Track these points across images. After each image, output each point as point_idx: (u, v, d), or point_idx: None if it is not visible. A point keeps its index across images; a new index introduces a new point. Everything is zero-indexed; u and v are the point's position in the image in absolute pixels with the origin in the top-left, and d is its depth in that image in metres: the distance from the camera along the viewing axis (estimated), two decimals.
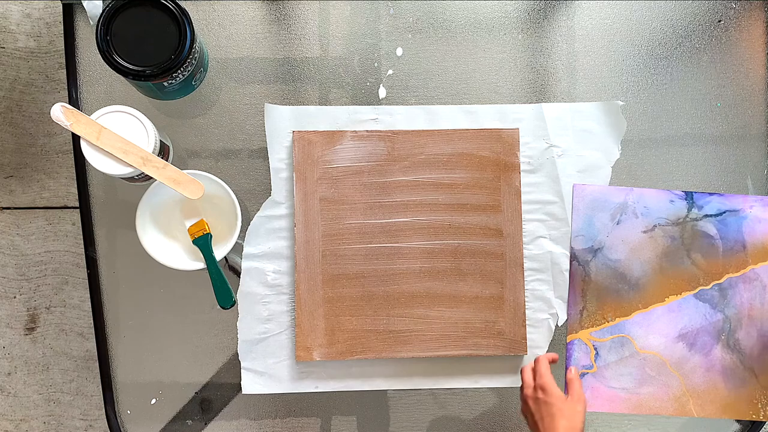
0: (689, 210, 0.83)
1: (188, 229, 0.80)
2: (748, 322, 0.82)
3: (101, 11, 0.73)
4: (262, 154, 0.83)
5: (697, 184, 0.86)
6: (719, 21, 0.87)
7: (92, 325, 0.83)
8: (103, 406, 0.83)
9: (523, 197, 0.83)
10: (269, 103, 0.83)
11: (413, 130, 0.82)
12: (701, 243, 0.83)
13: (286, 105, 0.83)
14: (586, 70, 0.86)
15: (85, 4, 0.81)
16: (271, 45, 0.84)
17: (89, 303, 0.84)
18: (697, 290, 0.82)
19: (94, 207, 0.83)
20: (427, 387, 0.82)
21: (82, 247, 0.84)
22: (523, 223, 0.82)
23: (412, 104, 0.84)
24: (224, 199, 0.78)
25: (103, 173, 0.73)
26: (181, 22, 0.73)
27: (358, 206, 0.82)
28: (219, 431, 0.83)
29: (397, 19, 0.85)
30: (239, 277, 0.82)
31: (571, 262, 0.82)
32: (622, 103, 0.84)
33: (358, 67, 0.85)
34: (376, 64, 0.85)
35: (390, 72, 0.85)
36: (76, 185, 0.83)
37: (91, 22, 0.82)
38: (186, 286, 0.82)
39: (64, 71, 0.84)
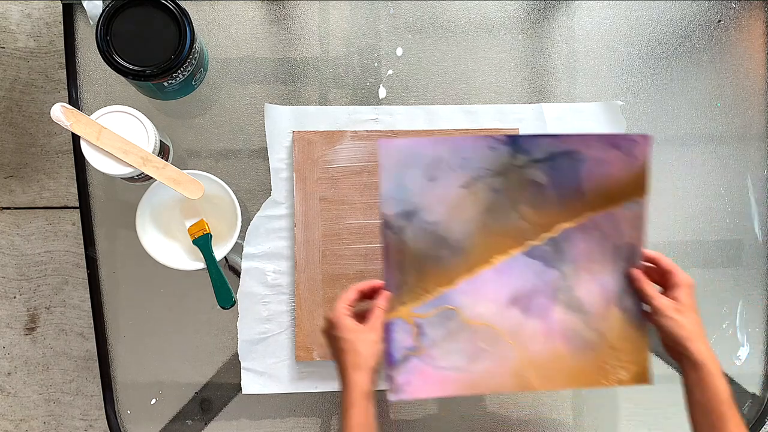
0: (514, 156, 0.70)
1: (188, 229, 0.80)
2: (588, 277, 0.71)
3: (101, 11, 0.73)
4: (262, 154, 0.83)
5: (697, 183, 0.86)
6: (719, 21, 0.87)
7: (92, 325, 0.83)
8: (103, 406, 0.83)
9: None
10: (269, 103, 0.83)
11: (413, 131, 0.82)
12: (529, 193, 0.70)
13: (286, 105, 0.83)
14: (586, 70, 0.86)
15: (85, 4, 0.81)
16: (271, 45, 0.84)
17: (89, 303, 0.84)
18: (527, 247, 0.71)
19: (94, 207, 0.83)
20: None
21: (82, 247, 0.84)
22: None
23: (411, 104, 0.84)
24: (224, 199, 0.78)
25: (103, 173, 0.73)
26: (181, 22, 0.73)
27: (358, 206, 0.82)
28: (219, 431, 0.83)
29: (397, 19, 0.85)
30: (239, 277, 0.82)
31: (383, 231, 0.69)
32: (621, 103, 0.84)
33: (358, 67, 0.85)
34: (375, 64, 0.85)
35: (390, 72, 0.85)
36: (76, 185, 0.83)
37: (91, 22, 0.82)
38: (186, 286, 0.82)
39: (64, 71, 0.84)
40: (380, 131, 0.82)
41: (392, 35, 0.85)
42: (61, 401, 1.35)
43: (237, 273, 0.82)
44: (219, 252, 0.79)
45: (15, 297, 1.35)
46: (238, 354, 0.81)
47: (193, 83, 0.81)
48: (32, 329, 1.35)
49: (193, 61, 0.77)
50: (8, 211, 1.36)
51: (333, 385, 0.82)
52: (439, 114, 0.83)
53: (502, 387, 0.71)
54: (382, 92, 0.84)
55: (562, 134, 0.71)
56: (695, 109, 0.86)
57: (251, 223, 0.81)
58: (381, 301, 0.68)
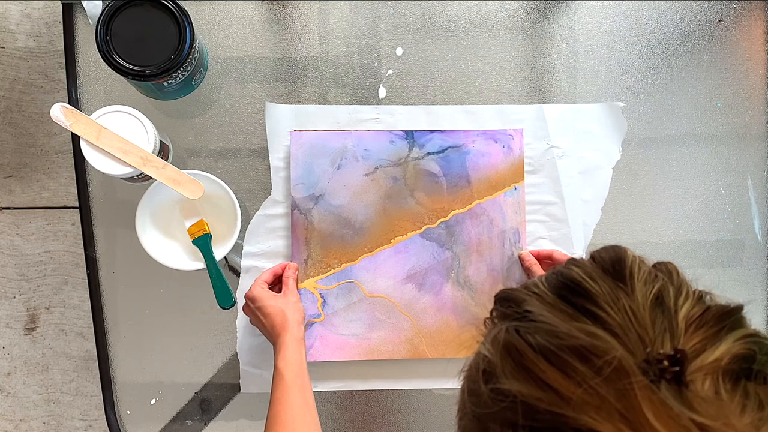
0: (410, 149, 0.81)
1: (188, 229, 0.79)
2: (477, 257, 0.80)
3: (101, 11, 0.73)
4: (262, 153, 0.83)
5: (698, 183, 0.86)
6: (719, 21, 0.87)
7: (92, 325, 0.83)
8: (102, 406, 0.83)
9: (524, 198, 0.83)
10: (269, 102, 0.83)
11: (414, 131, 0.82)
12: (425, 181, 0.81)
13: (286, 104, 0.83)
14: (587, 70, 0.86)
15: (84, 3, 0.81)
16: (270, 45, 0.84)
17: (89, 303, 0.84)
18: (423, 229, 0.80)
19: (93, 207, 0.83)
20: (427, 387, 0.82)
21: (82, 247, 0.83)
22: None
23: (411, 104, 0.84)
24: (224, 199, 0.78)
25: (103, 173, 0.73)
26: (180, 22, 0.73)
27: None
28: (218, 431, 0.83)
29: (397, 19, 0.85)
30: (239, 277, 0.81)
31: (292, 211, 0.80)
32: (622, 104, 0.84)
33: (358, 67, 0.84)
34: (375, 64, 0.84)
35: (390, 72, 0.85)
36: (75, 185, 0.83)
37: (91, 22, 0.82)
38: (186, 286, 0.82)
39: (64, 71, 0.84)
40: (381, 131, 0.82)
41: (392, 35, 0.85)
42: (61, 401, 1.35)
43: (237, 273, 0.82)
44: (219, 252, 0.79)
45: (15, 297, 1.35)
46: (237, 354, 0.81)
47: (193, 83, 0.81)
48: (32, 329, 1.35)
49: (193, 61, 0.77)
50: (8, 211, 1.36)
51: (332, 385, 0.81)
52: (439, 114, 0.83)
53: (396, 354, 0.79)
54: (382, 92, 0.84)
55: (450, 130, 0.82)
56: (695, 108, 0.86)
57: (251, 222, 0.81)
58: (289, 272, 0.78)
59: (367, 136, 0.81)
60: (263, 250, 0.81)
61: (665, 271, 0.40)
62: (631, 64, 0.86)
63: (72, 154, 0.85)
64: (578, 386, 0.33)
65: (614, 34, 0.86)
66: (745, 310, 0.38)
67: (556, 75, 0.86)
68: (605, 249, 0.41)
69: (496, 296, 0.43)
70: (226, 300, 0.79)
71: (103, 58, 0.73)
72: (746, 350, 0.35)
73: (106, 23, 0.73)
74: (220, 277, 0.78)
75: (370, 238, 0.80)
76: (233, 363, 0.83)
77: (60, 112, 0.72)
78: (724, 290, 0.94)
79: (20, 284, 1.35)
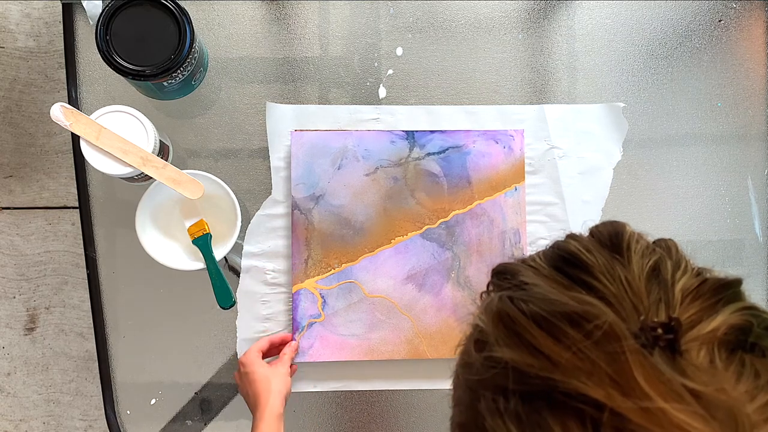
0: (411, 149, 0.80)
1: (188, 229, 0.79)
2: (477, 257, 0.80)
3: (101, 11, 0.73)
4: (262, 153, 0.83)
5: (698, 183, 0.86)
6: (720, 21, 0.87)
7: (92, 325, 0.83)
8: (102, 406, 0.83)
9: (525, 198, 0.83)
10: (269, 102, 0.83)
11: (415, 131, 0.82)
12: (425, 182, 0.80)
13: (286, 104, 0.83)
14: (587, 70, 0.86)
15: (84, 3, 0.81)
16: (270, 44, 0.84)
17: (89, 303, 0.84)
18: (423, 229, 0.80)
19: (93, 207, 0.83)
20: (427, 387, 0.82)
21: (82, 247, 0.83)
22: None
23: (411, 104, 0.84)
24: (224, 199, 0.78)
25: (103, 173, 0.73)
26: (180, 22, 0.73)
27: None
28: (218, 431, 0.83)
29: (397, 19, 0.85)
30: (239, 277, 0.81)
31: (292, 211, 0.79)
32: (623, 105, 0.84)
33: (358, 67, 0.84)
34: (376, 64, 0.84)
35: (390, 72, 0.84)
36: (75, 185, 0.83)
37: (91, 22, 0.82)
38: (186, 286, 0.82)
39: (64, 71, 0.84)
40: (382, 131, 0.82)
41: (392, 35, 0.85)
42: (61, 401, 1.35)
43: (237, 273, 0.82)
44: (219, 252, 0.79)
45: (14, 297, 1.35)
46: (237, 354, 0.81)
47: (193, 83, 0.81)
48: (32, 329, 1.35)
49: (193, 61, 0.77)
50: (8, 211, 1.36)
51: (331, 385, 0.81)
52: (440, 114, 0.83)
53: (396, 354, 0.79)
54: (382, 92, 0.84)
55: (451, 130, 0.81)
56: (695, 108, 0.86)
57: (251, 221, 0.81)
58: (287, 349, 0.77)
59: (368, 136, 0.81)
60: (263, 249, 0.81)
61: (664, 246, 0.40)
62: (631, 64, 0.86)
63: (72, 154, 0.85)
64: (568, 351, 0.33)
65: (614, 34, 0.86)
66: (743, 285, 0.38)
67: (556, 75, 0.85)
68: (604, 224, 0.41)
69: (492, 270, 0.43)
70: (226, 300, 0.79)
71: (102, 58, 0.73)
72: (743, 322, 0.34)
73: (106, 23, 0.73)
74: (220, 277, 0.78)
75: (371, 238, 0.80)
76: (233, 363, 0.83)
77: (60, 112, 0.72)
78: None
79: (20, 284, 1.35)
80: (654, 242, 0.41)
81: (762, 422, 0.31)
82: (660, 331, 0.32)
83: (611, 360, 0.32)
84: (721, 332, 0.34)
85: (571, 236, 0.41)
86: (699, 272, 0.38)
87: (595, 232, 0.41)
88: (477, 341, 0.39)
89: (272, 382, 0.72)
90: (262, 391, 0.71)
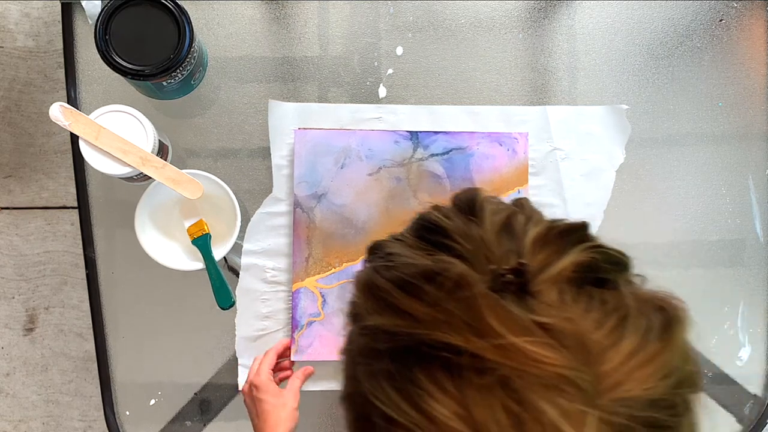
0: (415, 150, 0.80)
1: (187, 230, 0.79)
2: None
3: (100, 10, 0.73)
4: (262, 153, 0.83)
5: (698, 183, 0.86)
6: (721, 20, 0.87)
7: (91, 325, 0.83)
8: (101, 406, 0.83)
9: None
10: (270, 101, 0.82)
11: (419, 132, 0.82)
12: (428, 183, 0.80)
13: (289, 102, 0.83)
14: (587, 70, 0.86)
15: (83, 3, 0.81)
16: (270, 44, 0.84)
17: (88, 303, 0.83)
18: None
19: (92, 207, 0.83)
20: None
21: (81, 247, 0.83)
22: None
23: (412, 104, 0.84)
24: (223, 199, 0.78)
25: (102, 173, 0.73)
26: (180, 22, 0.73)
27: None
28: None
29: (397, 18, 0.85)
30: (238, 277, 0.81)
31: (294, 209, 0.79)
32: (626, 107, 0.84)
33: (358, 67, 0.84)
34: (376, 64, 0.84)
35: (390, 71, 0.84)
36: (74, 185, 0.83)
37: (90, 22, 0.82)
38: (185, 287, 0.82)
39: (63, 71, 0.84)
40: (383, 131, 0.82)
41: (392, 34, 0.85)
42: (60, 402, 1.35)
43: (236, 273, 0.82)
44: (218, 252, 0.78)
45: (14, 297, 1.34)
46: (236, 354, 0.81)
47: (193, 83, 0.81)
48: (31, 330, 1.35)
49: (193, 61, 0.76)
50: (7, 211, 1.35)
51: (331, 384, 0.81)
52: (442, 114, 0.83)
53: None
54: (382, 91, 0.84)
55: (455, 132, 0.81)
56: (696, 108, 0.86)
57: (252, 219, 0.81)
58: (299, 374, 0.77)
59: (372, 135, 0.81)
60: (264, 247, 0.81)
61: (518, 204, 0.43)
62: (632, 64, 0.86)
63: (71, 154, 0.85)
64: (428, 306, 0.35)
65: (615, 33, 0.86)
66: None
67: (557, 75, 0.85)
68: (462, 191, 0.44)
69: (366, 247, 0.45)
70: (225, 300, 0.79)
71: (102, 58, 0.73)
72: (589, 259, 0.36)
73: (105, 23, 0.73)
74: (220, 278, 0.78)
75: (372, 238, 0.79)
76: (233, 363, 0.82)
77: (59, 112, 0.72)
78: (724, 290, 0.94)
79: (19, 284, 1.34)
80: (511, 202, 0.44)
81: (611, 345, 0.33)
82: (510, 276, 0.35)
83: (465, 307, 0.34)
84: (569, 271, 0.36)
85: (434, 206, 0.44)
86: (550, 223, 0.40)
87: (455, 199, 0.44)
88: (353, 314, 0.41)
89: (281, 417, 0.72)
90: (270, 425, 0.72)
